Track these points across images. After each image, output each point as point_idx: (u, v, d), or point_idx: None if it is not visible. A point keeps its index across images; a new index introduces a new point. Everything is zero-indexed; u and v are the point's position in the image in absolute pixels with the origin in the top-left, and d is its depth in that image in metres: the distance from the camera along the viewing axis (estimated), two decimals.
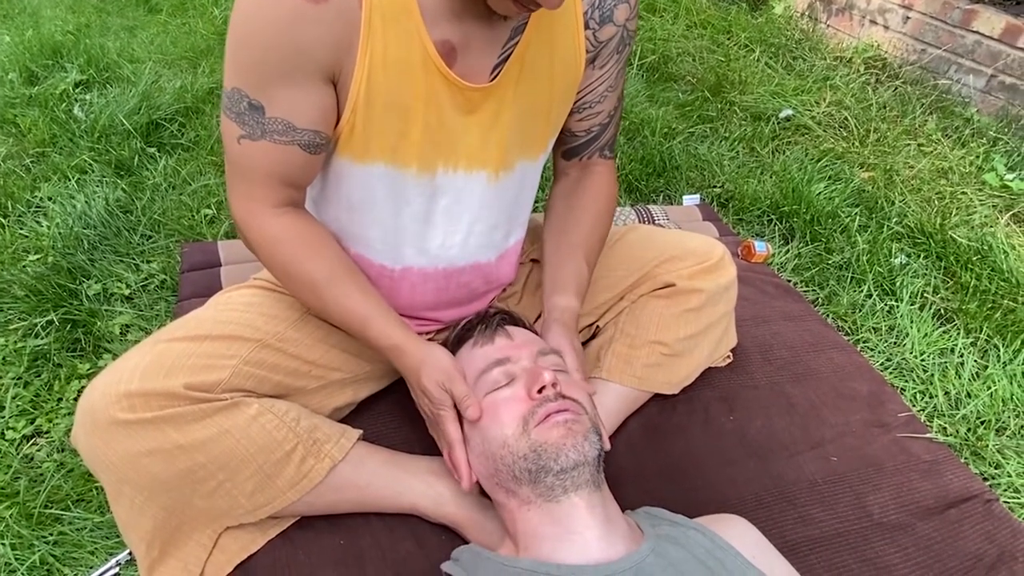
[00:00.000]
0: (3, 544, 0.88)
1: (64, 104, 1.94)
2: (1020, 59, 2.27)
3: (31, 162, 1.70)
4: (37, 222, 1.49)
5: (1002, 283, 1.54)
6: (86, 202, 1.52)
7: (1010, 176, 1.99)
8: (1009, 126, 2.26)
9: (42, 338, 1.18)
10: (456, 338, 0.87)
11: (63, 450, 1.01)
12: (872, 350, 1.38)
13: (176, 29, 2.65)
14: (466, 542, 0.85)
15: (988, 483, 1.09)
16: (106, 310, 1.27)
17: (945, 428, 1.19)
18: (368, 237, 0.85)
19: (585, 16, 0.82)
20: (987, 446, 1.16)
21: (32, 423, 1.05)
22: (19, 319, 1.22)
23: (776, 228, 1.74)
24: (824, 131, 2.20)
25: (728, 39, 2.87)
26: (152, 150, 1.79)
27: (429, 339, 0.98)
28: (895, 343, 1.40)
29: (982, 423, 1.21)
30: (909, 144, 2.14)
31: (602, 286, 1.06)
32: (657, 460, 1.03)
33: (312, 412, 0.85)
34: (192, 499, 0.75)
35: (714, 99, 2.35)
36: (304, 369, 0.86)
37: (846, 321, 1.45)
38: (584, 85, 0.89)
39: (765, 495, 0.99)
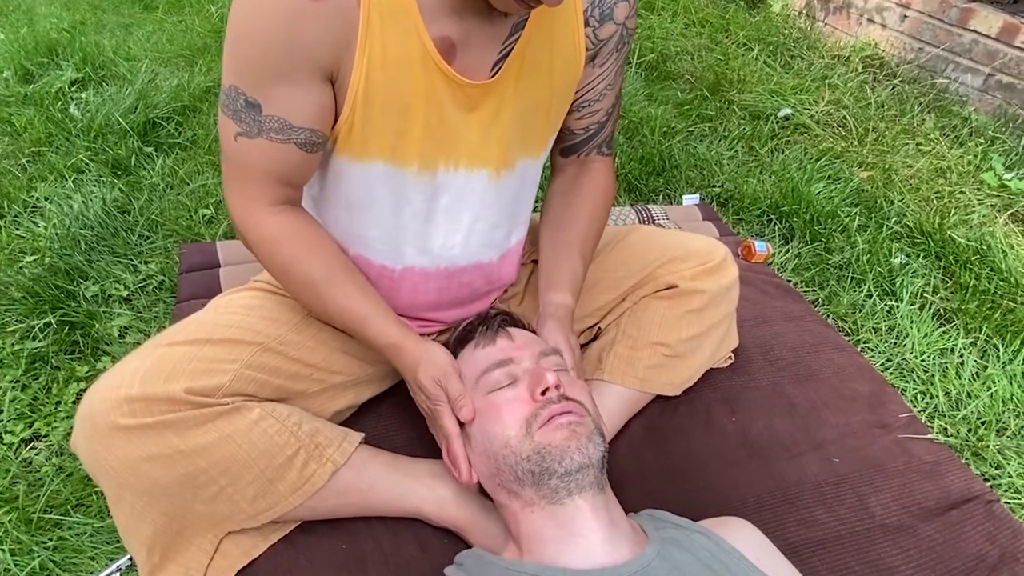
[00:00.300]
0: (2, 550, 0.87)
1: (60, 103, 1.92)
2: (1017, 58, 2.27)
3: (27, 162, 1.69)
4: (34, 223, 1.48)
5: (1001, 283, 1.55)
6: (83, 202, 1.51)
7: (1008, 175, 1.99)
8: (1006, 125, 2.27)
9: (40, 340, 1.18)
10: (457, 339, 0.86)
11: (62, 454, 1.01)
12: (872, 350, 1.38)
13: (172, 27, 2.63)
14: (469, 546, 0.84)
15: (989, 484, 1.09)
16: (104, 312, 1.26)
17: (946, 429, 1.19)
18: (368, 237, 0.85)
19: (585, 14, 0.82)
20: (988, 447, 1.16)
21: (30, 427, 1.04)
22: (16, 321, 1.21)
23: (776, 228, 1.74)
24: (823, 130, 2.20)
25: (726, 37, 2.87)
26: (149, 149, 1.78)
27: (431, 340, 0.97)
28: (895, 343, 1.40)
29: (982, 424, 1.22)
30: (907, 143, 2.14)
31: (603, 287, 1.06)
32: (659, 462, 1.03)
33: (313, 416, 0.85)
34: (193, 504, 0.75)
35: (713, 98, 2.35)
36: (305, 372, 0.86)
37: (846, 321, 1.45)
38: (583, 83, 0.89)
39: (767, 497, 0.99)
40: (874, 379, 1.24)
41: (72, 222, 1.44)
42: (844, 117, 2.25)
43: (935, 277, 1.58)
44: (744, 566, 0.68)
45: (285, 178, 0.76)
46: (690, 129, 2.16)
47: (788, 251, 1.65)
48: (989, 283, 1.54)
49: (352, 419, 0.97)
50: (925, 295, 1.53)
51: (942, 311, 1.50)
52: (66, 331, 1.20)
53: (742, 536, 0.74)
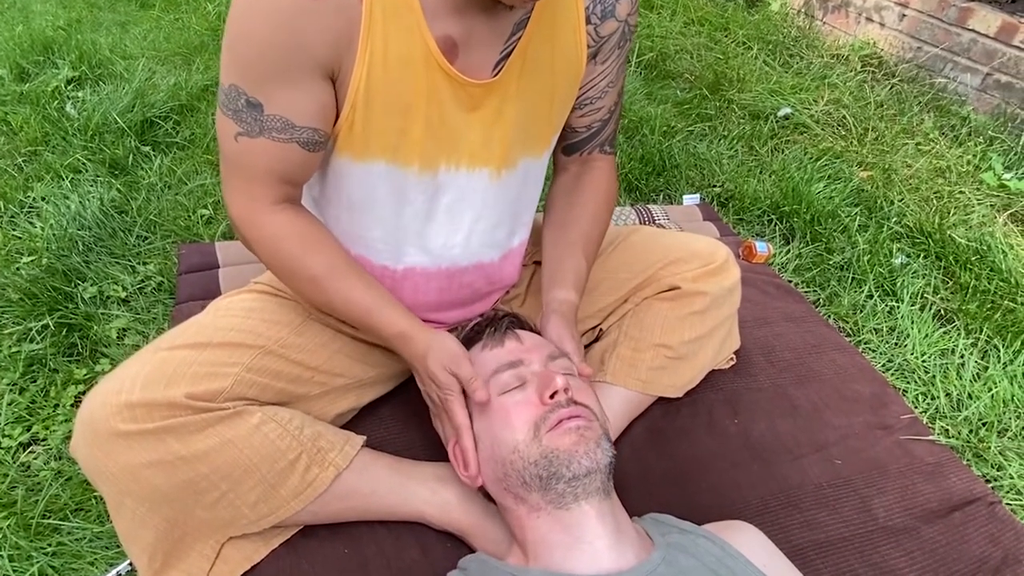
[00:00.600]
0: (1, 556, 0.87)
1: (56, 102, 1.91)
2: (1016, 57, 2.27)
3: (23, 161, 1.68)
4: (30, 223, 1.47)
5: (1001, 283, 1.55)
6: (80, 202, 1.49)
7: (1007, 175, 1.99)
8: (1005, 125, 2.27)
9: (37, 343, 1.17)
10: (464, 340, 0.85)
11: (61, 458, 1.00)
12: (873, 351, 1.38)
13: (169, 24, 2.61)
14: (472, 550, 0.84)
15: (991, 485, 1.09)
16: (102, 313, 1.25)
17: (947, 430, 1.19)
18: (369, 237, 0.84)
19: (587, 11, 0.81)
20: (989, 448, 1.16)
21: (28, 430, 1.03)
22: (13, 323, 1.20)
23: (776, 228, 1.74)
24: (822, 130, 2.20)
25: (725, 36, 2.86)
26: (147, 149, 1.77)
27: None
28: (896, 344, 1.40)
29: (984, 425, 1.22)
30: (907, 143, 2.15)
31: (605, 288, 1.06)
32: (661, 464, 1.02)
33: (315, 419, 0.84)
34: (194, 510, 0.74)
35: (712, 97, 2.34)
36: (307, 375, 0.85)
37: (847, 322, 1.45)
38: (585, 81, 0.88)
39: (770, 499, 0.99)
40: (875, 380, 1.24)
41: (69, 223, 1.43)
42: (843, 116, 2.25)
43: (935, 277, 1.58)
44: (750, 571, 0.68)
45: (287, 177, 0.75)
46: (690, 128, 2.15)
47: (789, 251, 1.65)
48: (989, 283, 1.54)
49: (353, 422, 0.97)
50: (925, 295, 1.53)
51: (943, 311, 1.50)
52: (64, 333, 1.19)
53: (747, 540, 0.74)
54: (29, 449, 1.02)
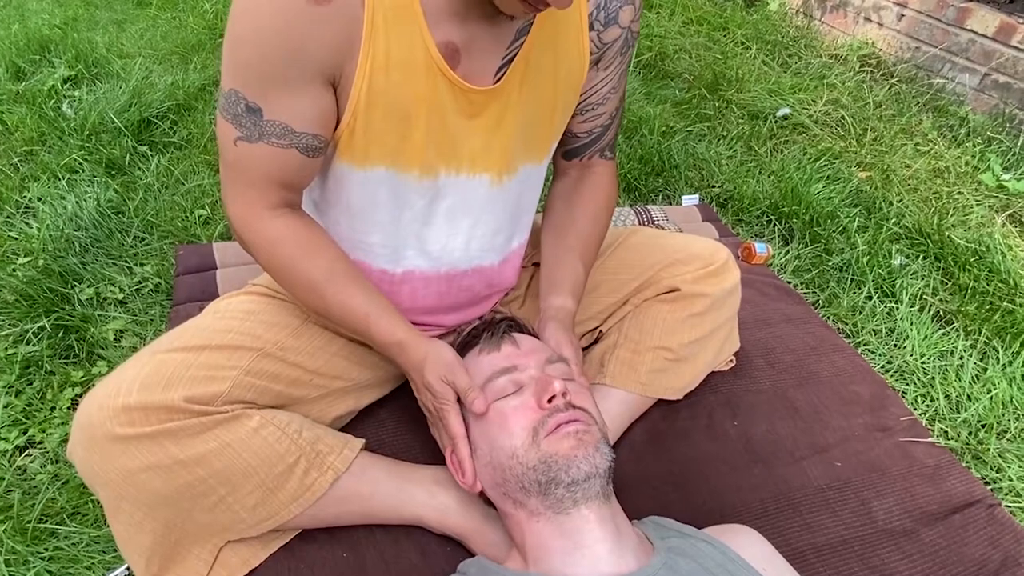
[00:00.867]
0: None
1: (52, 101, 1.90)
2: (1014, 58, 2.27)
3: (19, 161, 1.67)
4: (26, 223, 1.46)
5: (1000, 284, 1.55)
6: (77, 203, 1.49)
7: (1006, 176, 2.00)
8: (1003, 125, 2.27)
9: (34, 344, 1.16)
10: (461, 345, 0.85)
11: (57, 461, 0.99)
12: (873, 353, 1.38)
13: (166, 23, 2.60)
14: (471, 554, 0.83)
15: (990, 487, 1.09)
16: (99, 315, 1.25)
17: (947, 432, 1.19)
18: (368, 242, 0.84)
19: (590, 17, 0.81)
20: (988, 450, 1.16)
21: (24, 433, 1.03)
22: (10, 325, 1.19)
23: (776, 229, 1.74)
24: (821, 130, 2.20)
25: (724, 36, 2.86)
26: (144, 149, 1.76)
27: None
28: (895, 345, 1.40)
29: (983, 426, 1.22)
30: (905, 144, 2.15)
31: (605, 290, 1.05)
32: (661, 466, 1.02)
33: (314, 423, 0.84)
34: (192, 514, 0.74)
35: (711, 97, 2.34)
36: (305, 378, 0.85)
37: (847, 323, 1.45)
38: (587, 87, 0.88)
39: (770, 501, 0.99)
40: (875, 381, 1.24)
41: (66, 223, 1.42)
42: (842, 117, 2.25)
43: (934, 278, 1.58)
44: (750, 575, 0.67)
45: (286, 182, 0.75)
46: (689, 129, 2.15)
47: (788, 252, 1.64)
48: (988, 284, 1.54)
49: (351, 424, 0.96)
50: (925, 297, 1.53)
51: (942, 313, 1.50)
52: (60, 335, 1.18)
53: (748, 544, 0.74)
54: (25, 452, 1.02)
